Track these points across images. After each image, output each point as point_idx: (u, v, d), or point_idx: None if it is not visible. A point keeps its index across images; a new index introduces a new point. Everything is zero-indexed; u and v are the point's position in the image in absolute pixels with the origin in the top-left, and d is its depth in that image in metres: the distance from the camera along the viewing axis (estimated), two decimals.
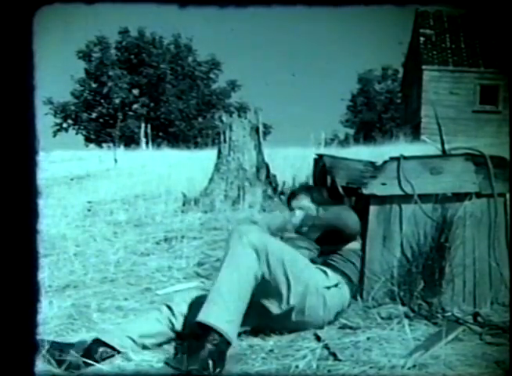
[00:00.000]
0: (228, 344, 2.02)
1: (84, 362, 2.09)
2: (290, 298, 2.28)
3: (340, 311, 2.54)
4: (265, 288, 2.23)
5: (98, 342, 2.18)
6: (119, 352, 2.18)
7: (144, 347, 2.25)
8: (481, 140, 12.94)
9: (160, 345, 2.29)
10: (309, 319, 2.39)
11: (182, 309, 2.33)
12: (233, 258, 2.16)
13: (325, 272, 2.49)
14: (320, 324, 2.44)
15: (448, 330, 2.29)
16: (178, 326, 2.31)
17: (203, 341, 1.99)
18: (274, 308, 2.30)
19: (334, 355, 2.12)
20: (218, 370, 1.95)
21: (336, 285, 2.48)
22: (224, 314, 2.05)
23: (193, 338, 2.10)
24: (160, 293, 3.14)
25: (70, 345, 2.18)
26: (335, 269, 2.57)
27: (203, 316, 2.04)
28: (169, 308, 2.34)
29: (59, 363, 2.10)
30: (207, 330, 2.02)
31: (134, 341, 2.22)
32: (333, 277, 2.51)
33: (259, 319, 2.33)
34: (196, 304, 2.23)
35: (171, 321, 2.31)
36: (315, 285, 2.37)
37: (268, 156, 6.26)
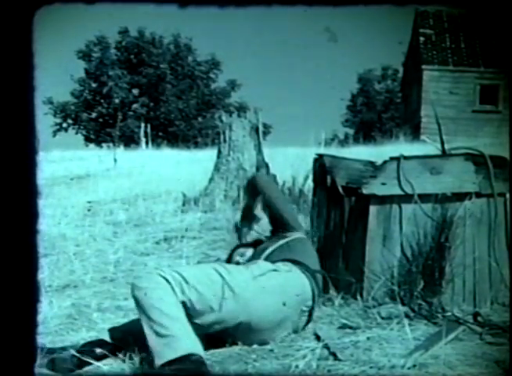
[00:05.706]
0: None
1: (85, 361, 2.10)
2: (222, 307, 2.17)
3: (300, 293, 2.39)
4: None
5: None
6: None
7: None
8: (481, 140, 12.93)
9: None
10: (258, 315, 2.26)
11: None
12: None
13: (254, 264, 2.39)
14: (276, 314, 2.31)
15: (448, 330, 2.29)
16: None
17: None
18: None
19: (334, 355, 2.12)
20: None
21: (274, 270, 2.35)
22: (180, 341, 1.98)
23: None
24: None
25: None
26: (281, 259, 2.47)
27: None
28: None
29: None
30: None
31: None
32: (269, 265, 2.39)
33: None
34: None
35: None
36: (241, 282, 2.24)
37: (268, 156, 6.26)
